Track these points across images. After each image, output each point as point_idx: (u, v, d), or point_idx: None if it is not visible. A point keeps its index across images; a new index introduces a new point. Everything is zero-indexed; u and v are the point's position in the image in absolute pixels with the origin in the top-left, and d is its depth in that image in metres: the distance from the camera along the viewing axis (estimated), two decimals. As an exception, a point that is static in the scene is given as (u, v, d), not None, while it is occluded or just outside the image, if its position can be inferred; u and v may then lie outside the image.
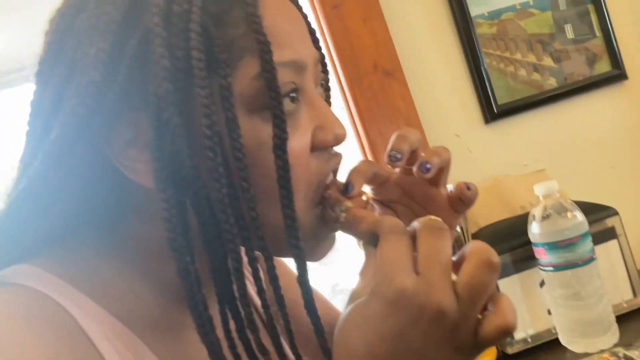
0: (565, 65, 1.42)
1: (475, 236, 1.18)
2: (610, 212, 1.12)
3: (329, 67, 1.12)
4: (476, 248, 0.43)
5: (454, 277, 0.43)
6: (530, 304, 1.08)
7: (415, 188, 0.61)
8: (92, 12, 0.47)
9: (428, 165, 0.56)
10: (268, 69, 0.47)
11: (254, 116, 0.49)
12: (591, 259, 0.96)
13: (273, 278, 0.49)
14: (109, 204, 0.52)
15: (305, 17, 0.56)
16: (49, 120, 0.48)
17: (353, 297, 0.46)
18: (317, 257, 0.56)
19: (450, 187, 0.62)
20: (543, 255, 0.99)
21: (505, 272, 1.08)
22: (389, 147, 0.57)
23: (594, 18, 1.44)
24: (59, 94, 0.47)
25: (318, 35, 0.59)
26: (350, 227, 0.51)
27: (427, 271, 0.42)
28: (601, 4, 1.43)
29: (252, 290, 0.67)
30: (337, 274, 1.82)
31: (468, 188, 0.59)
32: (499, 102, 1.38)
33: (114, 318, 0.50)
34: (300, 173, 0.50)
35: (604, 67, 1.44)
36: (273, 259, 0.50)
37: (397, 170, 0.62)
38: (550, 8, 1.43)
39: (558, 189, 1.00)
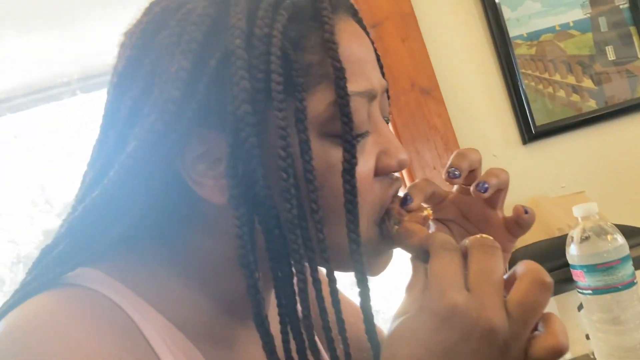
0: (606, 88, 1.41)
1: (511, 257, 1.16)
2: (652, 236, 1.10)
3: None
4: (529, 267, 0.43)
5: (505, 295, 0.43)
6: (567, 328, 1.05)
7: (471, 208, 0.61)
8: (173, 30, 0.49)
9: (486, 185, 0.57)
10: (342, 95, 0.48)
11: (324, 140, 0.50)
12: (632, 283, 0.94)
13: (336, 301, 0.49)
14: (173, 216, 0.54)
15: (372, 43, 0.57)
16: (124, 132, 0.49)
17: (400, 312, 0.46)
18: (375, 272, 0.57)
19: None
20: (581, 278, 0.97)
21: (541, 295, 1.06)
22: (448, 163, 0.58)
23: (636, 40, 1.43)
24: (136, 107, 0.49)
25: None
26: (401, 241, 0.52)
27: (478, 288, 0.42)
28: (643, 26, 1.42)
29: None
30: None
31: (525, 212, 0.58)
32: (537, 123, 1.37)
33: (171, 324, 0.51)
34: (363, 196, 0.51)
35: (645, 89, 1.42)
36: (337, 281, 0.50)
37: (455, 189, 0.62)
38: (590, 30, 1.42)
39: (597, 211, 0.98)
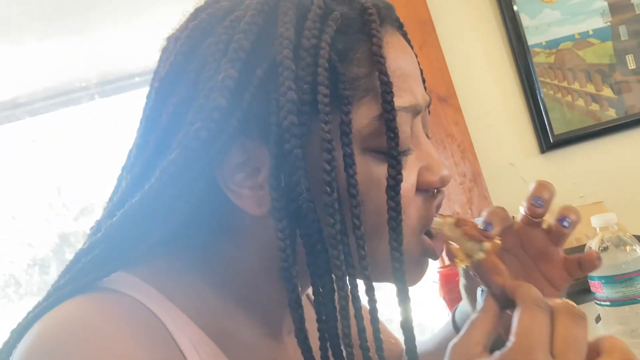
0: (626, 97, 1.39)
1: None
2: (672, 248, 1.08)
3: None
4: (617, 345, 0.42)
5: None
6: (584, 340, 1.04)
7: (533, 241, 0.59)
8: (220, 38, 0.48)
9: (568, 221, 0.56)
10: (389, 110, 0.48)
11: (366, 155, 0.49)
12: (651, 295, 0.93)
13: (375, 319, 0.48)
14: (208, 224, 0.53)
15: (416, 56, 0.56)
16: (165, 137, 0.49)
17: (462, 345, 0.44)
18: (413, 283, 0.56)
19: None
20: (599, 290, 0.96)
21: (558, 305, 1.05)
22: (531, 193, 0.56)
23: (657, 49, 1.41)
24: (178, 113, 0.48)
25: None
26: (484, 272, 0.50)
27: (564, 356, 0.41)
28: (665, 35, 1.40)
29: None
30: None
31: (598, 258, 0.57)
32: (555, 132, 1.36)
33: (203, 333, 0.50)
34: (406, 212, 0.50)
35: (666, 99, 1.40)
36: (377, 301, 0.49)
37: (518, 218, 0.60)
38: (610, 38, 1.40)
39: (616, 221, 0.97)
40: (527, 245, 0.60)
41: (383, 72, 0.48)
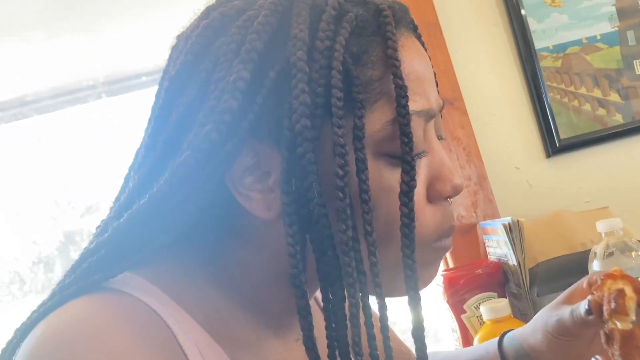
0: (634, 102, 1.39)
1: (532, 272, 1.15)
2: (677, 254, 1.07)
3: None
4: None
5: None
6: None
7: None
8: (232, 38, 0.47)
9: None
10: (403, 114, 0.47)
11: (378, 160, 0.48)
12: (656, 302, 0.92)
13: (385, 327, 0.48)
14: (216, 227, 0.52)
15: (430, 59, 0.56)
16: (174, 137, 0.48)
17: None
18: (422, 287, 0.54)
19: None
20: (604, 295, 0.95)
21: (562, 310, 1.04)
22: None
23: (665, 55, 1.40)
24: (188, 113, 0.48)
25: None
26: (624, 344, 0.48)
27: None
28: (673, 41, 1.40)
29: None
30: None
31: None
32: (562, 136, 1.36)
33: (209, 336, 0.50)
34: (417, 220, 0.49)
35: (674, 105, 1.40)
36: (387, 308, 0.48)
37: None
38: (618, 43, 1.40)
39: (622, 226, 0.97)
40: None
41: (398, 76, 0.47)
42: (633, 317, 0.49)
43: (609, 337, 0.50)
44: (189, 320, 0.49)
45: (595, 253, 0.97)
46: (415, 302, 0.47)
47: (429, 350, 0.48)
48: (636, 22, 1.41)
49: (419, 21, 1.36)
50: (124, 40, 1.71)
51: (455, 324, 1.16)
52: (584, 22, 1.39)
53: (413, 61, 0.50)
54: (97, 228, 0.55)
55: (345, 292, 0.46)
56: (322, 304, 0.49)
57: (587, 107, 1.38)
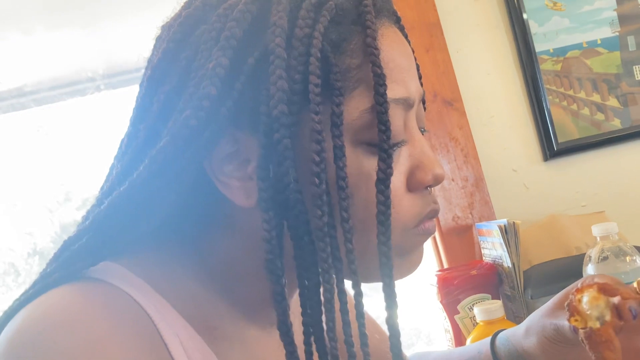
0: (633, 108, 1.39)
1: (527, 274, 1.15)
2: (672, 260, 1.07)
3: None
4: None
5: None
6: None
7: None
8: (212, 26, 0.48)
9: None
10: (381, 102, 0.47)
11: (357, 148, 0.49)
12: (649, 307, 0.92)
13: (360, 314, 0.48)
14: (196, 215, 0.53)
15: (413, 51, 0.56)
16: (155, 126, 0.49)
17: None
18: (401, 276, 0.55)
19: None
20: (597, 299, 0.95)
21: (556, 313, 1.04)
22: None
23: (664, 61, 1.41)
24: (169, 101, 0.48)
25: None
26: (596, 343, 0.49)
27: None
28: (673, 47, 1.40)
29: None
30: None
31: None
32: (560, 140, 1.36)
33: (189, 325, 0.50)
34: (396, 208, 0.49)
35: (672, 111, 1.40)
36: (362, 294, 0.48)
37: None
38: (618, 48, 1.40)
39: (617, 231, 0.97)
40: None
41: (376, 64, 0.47)
42: (595, 314, 0.50)
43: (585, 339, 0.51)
44: (170, 310, 0.49)
45: (590, 257, 0.97)
46: (389, 289, 0.48)
47: (421, 350, 0.48)
48: (637, 28, 1.41)
49: (420, 21, 1.36)
50: (124, 34, 1.71)
51: (448, 325, 1.16)
52: (585, 26, 1.39)
53: (392, 50, 0.51)
54: (82, 217, 0.55)
55: (320, 278, 0.46)
56: None
57: (585, 111, 1.38)
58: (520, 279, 1.13)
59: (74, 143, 1.78)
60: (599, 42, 1.39)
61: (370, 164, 0.49)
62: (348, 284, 0.49)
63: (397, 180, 0.50)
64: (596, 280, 0.54)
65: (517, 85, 1.38)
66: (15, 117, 1.77)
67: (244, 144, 0.48)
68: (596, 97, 1.38)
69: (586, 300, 0.52)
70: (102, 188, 0.55)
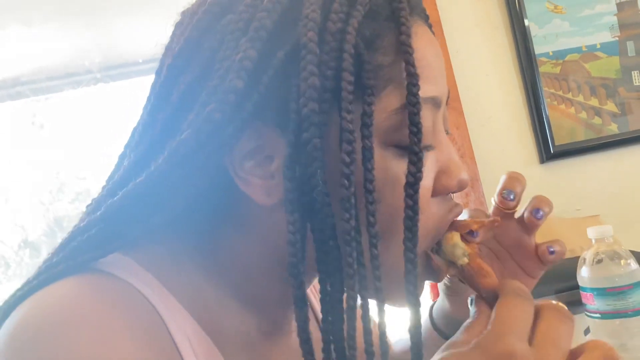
0: (630, 112, 1.39)
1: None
2: (666, 265, 1.08)
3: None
4: (599, 344, 0.41)
5: None
6: (572, 352, 1.03)
7: (506, 232, 0.59)
8: (240, 16, 0.46)
9: (541, 213, 0.56)
10: (414, 103, 0.45)
11: (385, 149, 0.47)
12: (642, 311, 0.93)
13: (382, 323, 0.46)
14: (212, 211, 0.51)
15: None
16: (174, 116, 0.47)
17: (450, 345, 0.43)
18: (422, 284, 0.54)
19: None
20: (591, 301, 0.95)
21: (549, 316, 1.04)
22: (500, 185, 0.56)
23: (663, 67, 1.41)
24: (190, 92, 0.46)
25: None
26: (471, 277, 0.49)
27: (542, 347, 0.39)
28: (672, 53, 1.40)
29: None
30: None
31: (551, 252, 0.57)
32: (556, 143, 1.36)
33: (197, 324, 0.48)
34: (421, 214, 0.47)
35: (670, 117, 1.40)
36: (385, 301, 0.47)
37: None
38: (617, 53, 1.40)
39: (612, 234, 0.97)
40: (501, 236, 0.59)
41: (410, 63, 0.45)
42: (459, 252, 0.51)
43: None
44: (179, 307, 0.48)
45: (585, 259, 0.97)
46: (414, 298, 0.46)
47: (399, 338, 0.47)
48: (636, 34, 1.41)
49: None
50: (123, 26, 1.71)
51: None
52: (585, 30, 1.39)
53: (425, 49, 0.49)
54: (88, 206, 0.52)
55: (345, 284, 0.44)
56: (318, 296, 0.47)
57: (583, 115, 1.38)
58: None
59: (69, 135, 1.78)
60: (598, 46, 1.40)
61: (398, 166, 0.47)
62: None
63: (425, 185, 0.47)
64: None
65: (515, 87, 1.38)
66: (10, 108, 1.76)
67: (268, 139, 0.46)
68: (594, 101, 1.38)
69: (443, 244, 0.52)
70: (111, 177, 0.53)
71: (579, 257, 1.00)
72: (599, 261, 0.95)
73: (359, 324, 0.44)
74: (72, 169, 1.79)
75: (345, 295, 0.45)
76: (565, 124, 1.37)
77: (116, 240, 0.47)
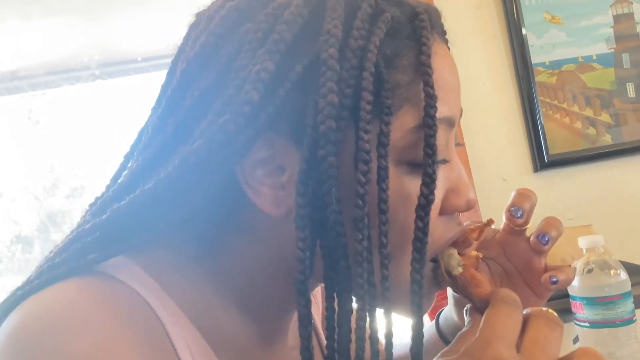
0: (624, 124, 1.40)
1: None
2: (656, 276, 1.09)
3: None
4: (589, 351, 0.41)
5: None
6: (561, 360, 1.04)
7: (516, 250, 0.59)
8: (259, 25, 0.45)
9: (547, 238, 0.56)
10: (430, 125, 0.44)
11: (398, 167, 0.46)
12: (630, 320, 0.93)
13: (390, 344, 0.46)
14: (218, 218, 0.50)
15: None
16: (187, 122, 0.46)
17: (443, 353, 0.43)
18: (426, 310, 0.54)
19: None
20: (580, 310, 0.96)
21: (538, 323, 1.05)
22: (509, 203, 0.56)
23: (658, 80, 1.42)
24: (204, 98, 0.46)
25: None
26: (465, 287, 0.49)
27: (530, 354, 0.40)
28: (667, 66, 1.41)
29: None
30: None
31: (553, 282, 0.57)
32: (551, 152, 1.37)
33: (196, 331, 0.48)
34: (430, 234, 0.46)
35: (663, 129, 1.41)
36: (393, 323, 0.46)
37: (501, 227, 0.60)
38: (613, 65, 1.41)
39: (603, 244, 0.97)
40: (510, 253, 0.60)
41: (429, 85, 0.45)
42: (454, 263, 0.51)
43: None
44: (180, 314, 0.47)
45: (575, 268, 0.98)
46: (418, 319, 0.45)
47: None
48: (632, 46, 1.42)
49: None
50: (123, 24, 1.71)
51: (431, 330, 1.17)
52: (582, 41, 1.40)
53: (443, 68, 0.48)
54: (91, 206, 0.52)
55: (355, 304, 0.43)
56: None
57: (577, 125, 1.39)
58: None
59: (64, 131, 1.77)
60: (594, 57, 1.41)
61: (411, 185, 0.46)
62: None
63: (434, 204, 0.46)
64: None
65: (511, 96, 1.39)
66: (6, 102, 1.75)
67: (280, 150, 0.46)
68: (589, 112, 1.40)
69: (440, 256, 0.52)
70: (116, 177, 0.52)
71: (570, 266, 1.00)
72: (590, 271, 0.95)
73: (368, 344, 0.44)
74: (67, 165, 1.79)
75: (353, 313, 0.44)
76: (560, 133, 1.38)
77: (120, 243, 0.47)
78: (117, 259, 0.47)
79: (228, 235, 0.51)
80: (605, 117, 1.40)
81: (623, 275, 0.94)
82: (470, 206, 0.51)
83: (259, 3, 0.47)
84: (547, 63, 1.39)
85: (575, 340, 1.03)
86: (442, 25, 0.52)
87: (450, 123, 0.49)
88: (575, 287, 0.97)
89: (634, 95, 1.41)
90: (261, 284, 0.51)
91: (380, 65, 0.44)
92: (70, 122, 1.77)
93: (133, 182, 0.48)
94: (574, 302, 0.97)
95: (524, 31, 1.38)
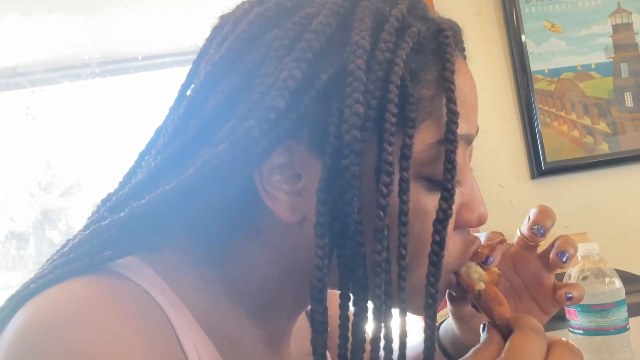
0: (621, 133, 1.41)
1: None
2: (650, 285, 1.09)
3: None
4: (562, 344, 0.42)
5: None
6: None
7: (527, 265, 0.59)
8: (287, 33, 0.45)
9: (566, 256, 0.56)
10: (452, 141, 0.45)
11: (416, 181, 0.46)
12: (624, 329, 0.93)
13: (402, 356, 0.46)
14: (232, 221, 0.50)
15: None
16: (208, 124, 0.46)
17: None
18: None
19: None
20: (574, 317, 0.96)
21: (532, 330, 1.05)
22: (531, 219, 0.56)
23: (655, 90, 1.43)
24: (228, 102, 0.46)
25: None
26: (487, 304, 0.49)
27: None
28: (665, 77, 1.42)
29: None
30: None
31: (569, 298, 0.57)
32: (548, 159, 1.37)
33: (204, 333, 0.48)
34: (445, 250, 0.47)
35: (660, 139, 1.42)
36: (407, 335, 0.47)
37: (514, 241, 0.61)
38: (612, 74, 1.42)
39: (598, 252, 0.98)
40: (520, 268, 0.60)
41: (452, 101, 0.45)
42: (476, 277, 0.51)
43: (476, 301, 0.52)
44: (189, 316, 0.48)
45: (570, 275, 0.98)
46: (430, 333, 0.46)
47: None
48: (631, 56, 1.43)
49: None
50: (123, 22, 1.71)
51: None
52: (581, 49, 1.41)
53: (465, 85, 0.49)
54: (103, 202, 0.52)
55: (372, 314, 0.44)
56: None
57: (575, 133, 1.39)
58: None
59: (62, 128, 1.77)
60: (593, 66, 1.41)
61: (429, 200, 0.47)
62: None
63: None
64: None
65: (510, 102, 1.40)
66: (4, 98, 1.75)
67: (299, 157, 0.46)
68: (587, 120, 1.40)
69: (462, 270, 0.52)
70: (131, 174, 0.53)
71: (564, 273, 1.01)
72: (584, 278, 0.96)
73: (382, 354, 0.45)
74: (64, 162, 1.79)
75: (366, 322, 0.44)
76: (558, 141, 1.38)
77: (136, 242, 0.47)
78: (130, 259, 0.47)
79: (241, 239, 0.51)
80: (602, 125, 1.41)
81: (618, 283, 0.94)
82: (482, 221, 0.51)
83: (286, 11, 0.47)
84: (546, 71, 1.40)
85: (569, 347, 1.03)
86: (462, 42, 0.53)
87: (469, 140, 0.49)
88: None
89: (632, 105, 1.42)
90: (270, 289, 0.51)
91: (405, 79, 0.45)
92: (68, 119, 1.77)
93: (152, 180, 0.48)
94: (568, 309, 0.98)
95: (523, 38, 1.39)
